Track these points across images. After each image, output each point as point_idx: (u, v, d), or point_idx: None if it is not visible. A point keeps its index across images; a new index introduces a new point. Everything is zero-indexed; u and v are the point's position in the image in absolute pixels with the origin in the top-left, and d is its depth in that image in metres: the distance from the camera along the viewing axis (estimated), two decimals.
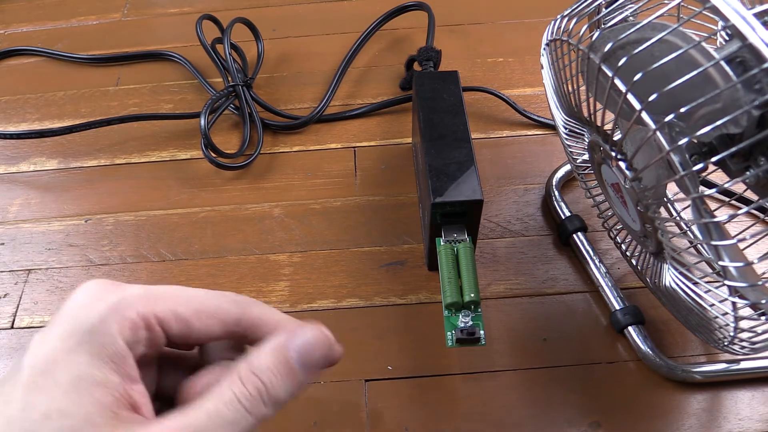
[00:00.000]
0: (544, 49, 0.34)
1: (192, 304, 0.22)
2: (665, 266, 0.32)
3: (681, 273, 0.30)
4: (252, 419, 0.20)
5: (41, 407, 0.18)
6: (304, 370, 0.21)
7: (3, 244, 0.44)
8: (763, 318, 0.27)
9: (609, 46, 0.26)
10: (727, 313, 0.28)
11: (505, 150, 0.47)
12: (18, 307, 0.40)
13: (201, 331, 0.22)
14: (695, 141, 0.26)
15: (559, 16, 0.31)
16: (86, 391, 0.19)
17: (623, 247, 0.37)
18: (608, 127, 0.29)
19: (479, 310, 0.32)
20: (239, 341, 0.23)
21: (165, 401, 0.23)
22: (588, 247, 0.40)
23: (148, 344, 0.21)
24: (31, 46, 0.57)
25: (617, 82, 0.25)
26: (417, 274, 0.40)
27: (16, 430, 0.18)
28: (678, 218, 0.32)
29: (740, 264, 0.26)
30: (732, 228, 0.31)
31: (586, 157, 0.36)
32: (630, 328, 0.36)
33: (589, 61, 0.27)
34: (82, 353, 0.19)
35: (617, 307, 0.37)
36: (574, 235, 0.41)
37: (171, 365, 0.24)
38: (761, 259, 0.24)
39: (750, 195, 0.30)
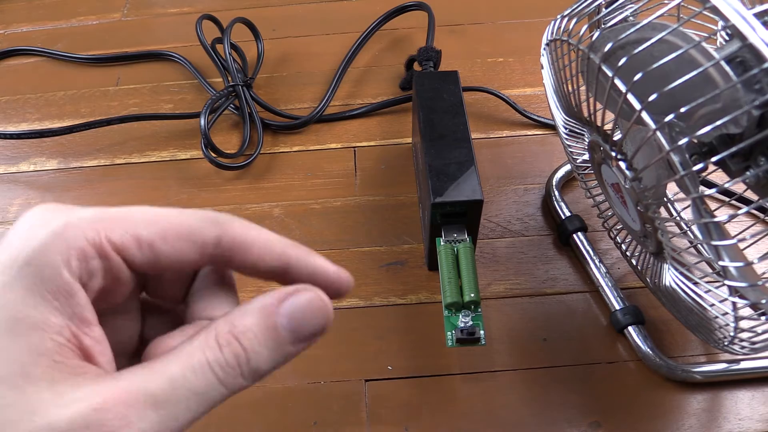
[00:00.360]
0: (544, 49, 0.34)
1: (157, 225, 0.18)
2: (665, 266, 0.32)
3: (681, 273, 0.30)
4: (224, 391, 0.17)
5: None
6: (293, 340, 0.18)
7: None
8: (763, 318, 0.27)
9: (609, 46, 0.26)
10: (727, 313, 0.28)
11: (505, 150, 0.47)
12: None
13: (170, 257, 0.18)
14: (695, 141, 0.26)
15: (559, 16, 0.31)
16: (21, 335, 0.16)
17: (623, 247, 0.37)
18: (608, 127, 0.29)
19: (479, 310, 0.32)
20: (223, 266, 0.20)
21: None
22: (588, 247, 0.40)
23: (106, 277, 0.17)
24: (31, 46, 0.57)
25: (617, 82, 0.25)
26: (417, 274, 0.40)
27: None
28: (678, 218, 0.32)
29: (740, 264, 0.26)
30: (732, 228, 0.31)
31: (586, 157, 0.36)
32: (630, 328, 0.36)
33: (589, 61, 0.27)
34: (18, 289, 0.16)
35: (617, 307, 0.37)
36: (574, 235, 0.41)
37: (157, 319, 0.21)
38: (761, 259, 0.24)
39: (750, 195, 0.30)
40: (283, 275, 0.19)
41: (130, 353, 0.20)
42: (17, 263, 0.16)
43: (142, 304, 0.20)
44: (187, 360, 0.17)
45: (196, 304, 0.20)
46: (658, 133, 0.24)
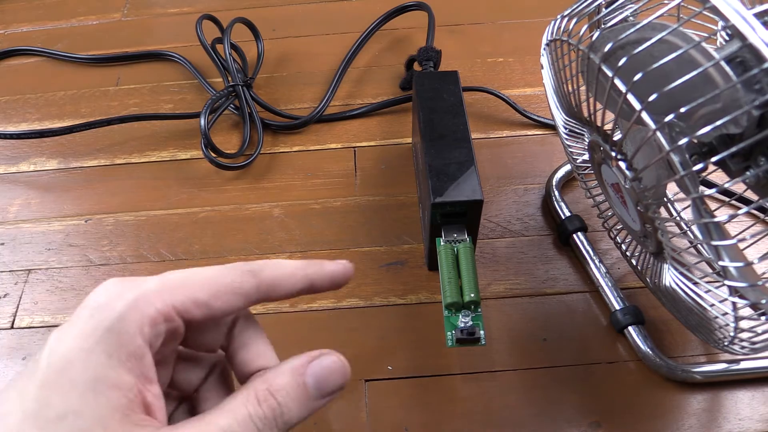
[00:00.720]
0: (544, 49, 0.34)
1: (209, 286, 0.22)
2: (665, 266, 0.32)
3: (681, 273, 0.30)
4: None
5: (57, 407, 0.18)
6: (318, 396, 0.22)
7: (3, 244, 0.44)
8: (763, 318, 0.27)
9: (609, 46, 0.26)
10: (727, 313, 0.28)
11: (505, 150, 0.47)
12: (18, 307, 0.40)
13: (223, 309, 0.22)
14: (695, 141, 0.26)
15: (559, 16, 0.31)
16: (102, 393, 0.19)
17: (623, 247, 0.37)
18: (608, 127, 0.29)
19: (479, 310, 0.32)
20: (263, 301, 0.24)
21: (176, 397, 0.24)
22: (588, 247, 0.40)
23: (168, 336, 0.21)
24: (31, 46, 0.57)
25: (617, 82, 0.25)
26: (417, 274, 0.40)
27: (31, 427, 0.18)
28: (678, 218, 0.32)
29: (740, 264, 0.26)
30: (732, 228, 0.31)
31: (586, 157, 0.36)
32: (630, 328, 0.36)
33: (589, 61, 0.27)
34: (100, 353, 0.19)
35: (617, 307, 0.37)
36: (574, 235, 0.41)
37: (187, 361, 0.24)
38: (761, 259, 0.24)
39: (750, 195, 0.30)
40: (309, 291, 0.24)
41: (164, 390, 0.22)
42: (98, 331, 0.19)
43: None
44: (233, 414, 0.20)
45: (242, 354, 0.24)
46: (658, 133, 0.24)
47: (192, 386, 0.24)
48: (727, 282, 0.26)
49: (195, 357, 0.24)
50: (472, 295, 0.31)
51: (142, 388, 0.20)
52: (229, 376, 0.25)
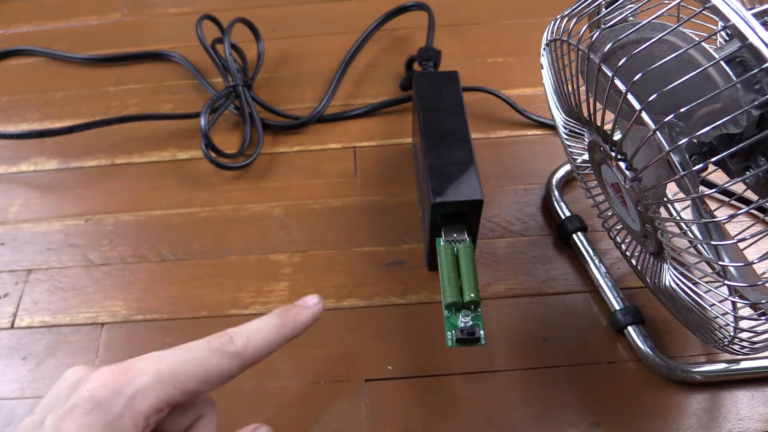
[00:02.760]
0: (544, 49, 0.34)
1: (199, 375, 0.24)
2: (665, 266, 0.32)
3: (681, 273, 0.30)
4: None
5: None
6: None
7: (3, 244, 0.44)
8: (763, 318, 0.27)
9: (609, 46, 0.26)
10: (727, 313, 0.28)
11: (505, 150, 0.47)
12: (18, 307, 0.40)
13: (207, 389, 0.25)
14: (695, 141, 0.26)
15: (559, 16, 0.31)
16: None
17: (623, 247, 0.37)
18: (608, 127, 0.29)
19: (479, 310, 0.32)
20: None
21: None
22: (588, 247, 0.40)
23: (156, 420, 0.23)
24: (31, 46, 0.57)
25: (617, 82, 0.25)
26: (417, 274, 0.40)
27: None
28: (678, 218, 0.32)
29: (740, 264, 0.26)
30: (732, 228, 0.31)
31: (586, 157, 0.36)
32: (630, 328, 0.36)
33: (589, 61, 0.27)
34: None
35: (617, 307, 0.37)
36: (574, 235, 0.41)
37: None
38: (761, 259, 0.24)
39: (750, 195, 0.30)
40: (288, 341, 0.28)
41: None
42: (97, 427, 0.21)
43: None
44: None
45: None
46: (658, 133, 0.24)
47: None
48: (727, 282, 0.26)
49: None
50: (472, 295, 0.31)
51: None
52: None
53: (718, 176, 0.34)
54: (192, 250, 0.42)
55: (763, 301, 0.26)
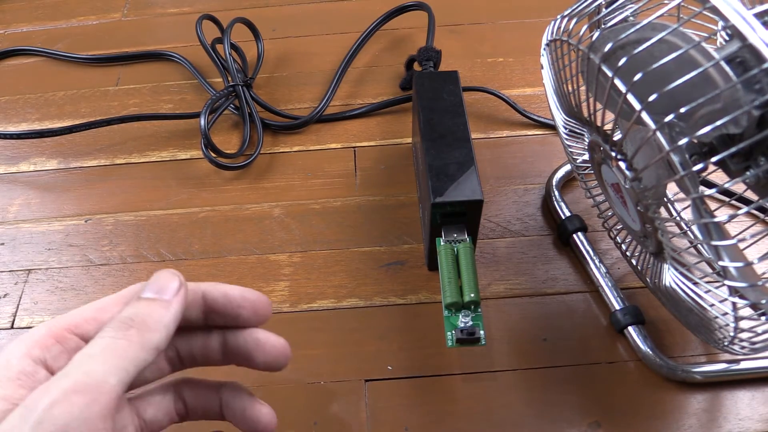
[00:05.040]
0: (544, 49, 0.34)
1: (86, 311, 0.23)
2: (665, 266, 0.32)
3: (681, 273, 0.30)
4: None
5: None
6: None
7: (3, 244, 0.44)
8: (763, 318, 0.27)
9: (609, 46, 0.26)
10: (727, 313, 0.28)
11: (505, 150, 0.47)
12: (18, 307, 0.40)
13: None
14: (695, 141, 0.26)
15: (559, 16, 0.31)
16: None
17: (623, 247, 0.37)
18: (608, 127, 0.29)
19: (479, 310, 0.32)
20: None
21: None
22: (588, 247, 0.40)
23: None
24: (31, 46, 0.57)
25: (617, 82, 0.25)
26: (417, 274, 0.40)
27: None
28: (678, 218, 0.32)
29: (740, 264, 0.26)
30: (732, 228, 0.31)
31: (586, 157, 0.36)
32: (630, 328, 0.36)
33: (589, 61, 0.27)
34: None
35: (617, 307, 0.37)
36: (574, 235, 0.41)
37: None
38: (761, 259, 0.24)
39: (750, 195, 0.30)
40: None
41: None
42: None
43: None
44: None
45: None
46: (658, 133, 0.24)
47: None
48: (727, 282, 0.26)
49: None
50: (472, 295, 0.31)
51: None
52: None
53: (718, 176, 0.34)
54: (192, 250, 0.42)
55: (763, 301, 0.26)
